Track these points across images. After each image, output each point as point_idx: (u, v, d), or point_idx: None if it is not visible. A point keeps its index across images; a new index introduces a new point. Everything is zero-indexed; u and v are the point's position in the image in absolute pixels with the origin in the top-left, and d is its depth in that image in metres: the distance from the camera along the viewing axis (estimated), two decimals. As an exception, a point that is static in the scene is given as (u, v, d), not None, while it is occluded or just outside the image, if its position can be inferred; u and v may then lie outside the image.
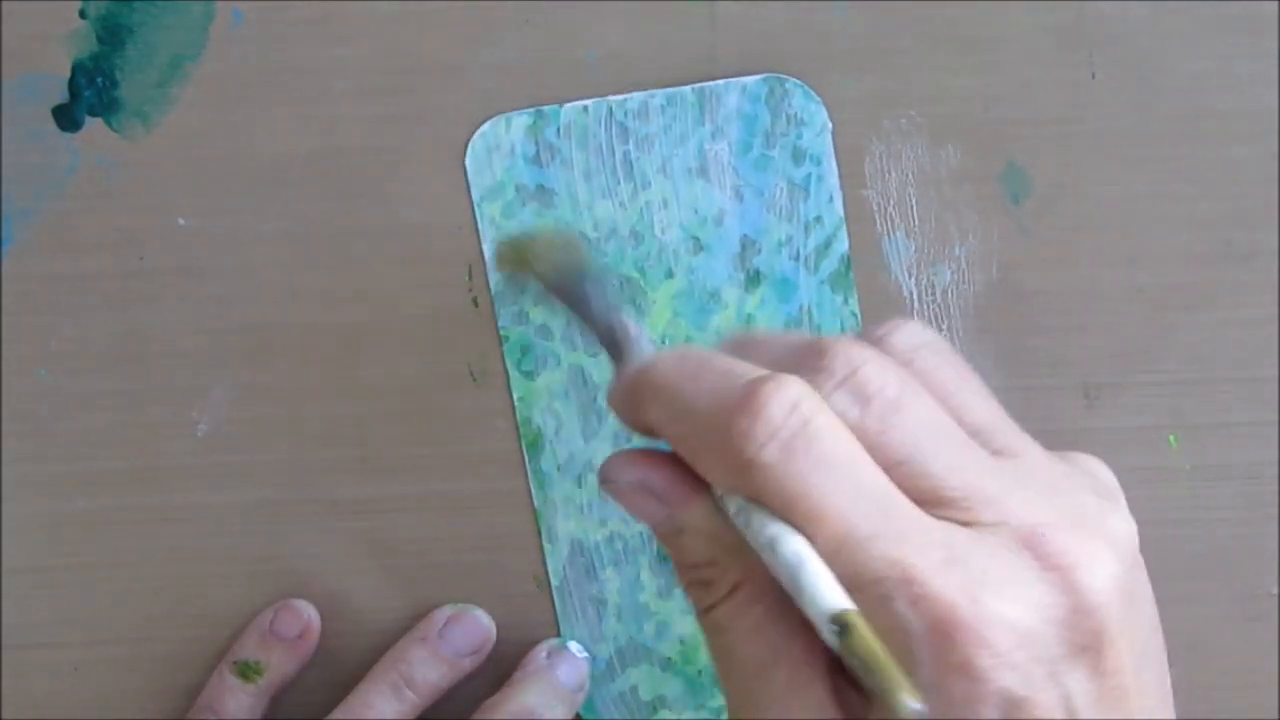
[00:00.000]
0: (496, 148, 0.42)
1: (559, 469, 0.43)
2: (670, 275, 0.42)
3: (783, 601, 0.29)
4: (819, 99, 0.42)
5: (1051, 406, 0.43)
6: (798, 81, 0.41)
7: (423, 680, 0.42)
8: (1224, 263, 0.43)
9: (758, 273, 0.42)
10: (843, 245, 0.42)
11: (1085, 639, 0.27)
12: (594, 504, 0.43)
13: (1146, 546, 0.44)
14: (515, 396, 0.42)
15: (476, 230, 0.42)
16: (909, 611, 0.26)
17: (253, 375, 0.43)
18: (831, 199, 0.42)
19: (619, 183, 0.42)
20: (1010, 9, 0.41)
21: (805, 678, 0.29)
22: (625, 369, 0.33)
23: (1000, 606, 0.26)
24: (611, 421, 0.43)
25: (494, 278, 0.41)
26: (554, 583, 0.43)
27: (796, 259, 0.42)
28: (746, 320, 0.42)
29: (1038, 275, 0.43)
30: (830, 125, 0.42)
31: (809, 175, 0.42)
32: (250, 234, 0.42)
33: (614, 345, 0.33)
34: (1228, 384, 0.43)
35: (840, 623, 0.26)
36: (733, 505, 0.29)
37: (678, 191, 0.42)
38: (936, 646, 0.26)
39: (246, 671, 0.42)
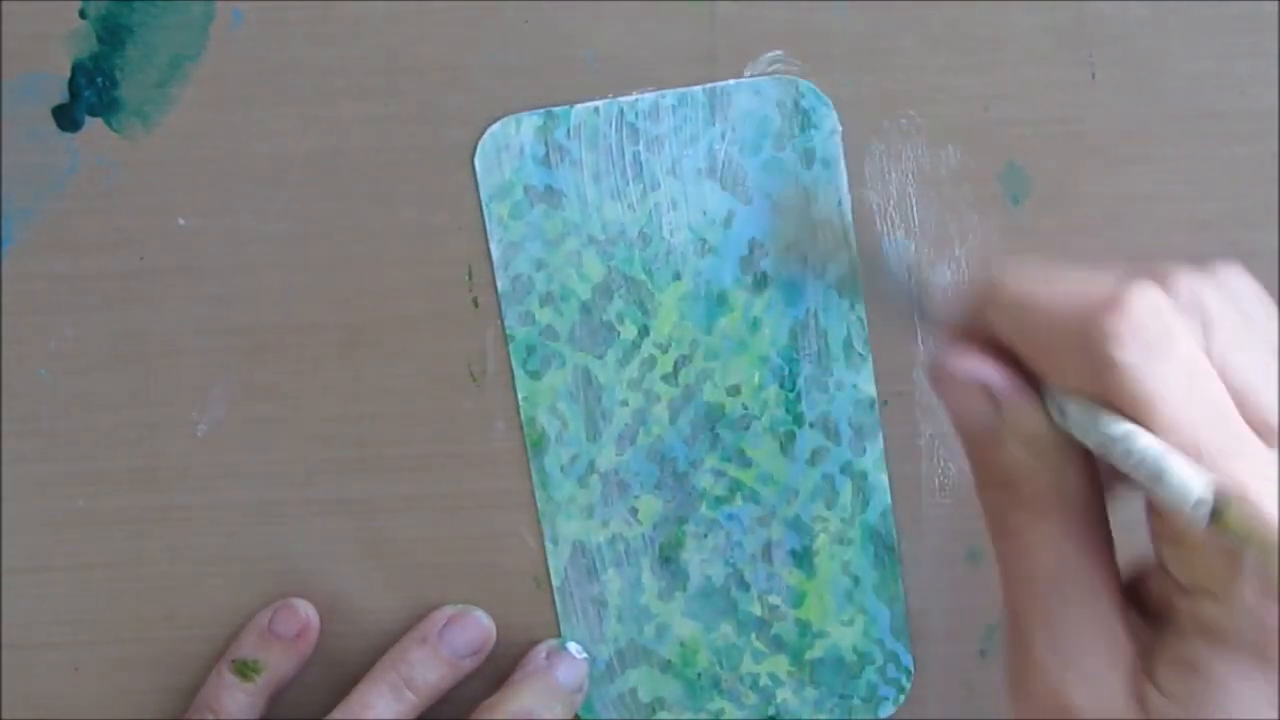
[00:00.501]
0: (506, 148, 0.42)
1: (562, 469, 0.43)
2: (678, 277, 0.42)
3: (1085, 519, 0.31)
4: (829, 101, 0.42)
5: (1052, 406, 0.43)
6: (810, 84, 0.41)
7: (422, 681, 0.42)
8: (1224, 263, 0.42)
9: (765, 275, 0.42)
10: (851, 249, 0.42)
11: None
12: (597, 505, 0.43)
13: (1147, 545, 0.44)
14: (520, 396, 0.42)
15: (484, 229, 0.42)
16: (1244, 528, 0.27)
17: (253, 375, 0.43)
18: (840, 202, 0.42)
19: (628, 184, 0.42)
20: (1010, 9, 0.41)
21: (1098, 594, 0.31)
22: (942, 305, 0.36)
23: None
24: (616, 423, 0.43)
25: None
26: (555, 583, 0.43)
27: (804, 262, 0.42)
28: (753, 324, 0.42)
29: (1038, 275, 0.43)
30: (840, 128, 0.42)
31: (818, 178, 0.42)
32: (250, 234, 0.42)
33: (913, 293, 0.37)
34: (1228, 384, 0.43)
35: (1223, 498, 0.28)
36: (1073, 407, 0.30)
37: (687, 193, 0.42)
38: (1263, 567, 0.28)
39: (245, 670, 0.42)
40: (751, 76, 0.42)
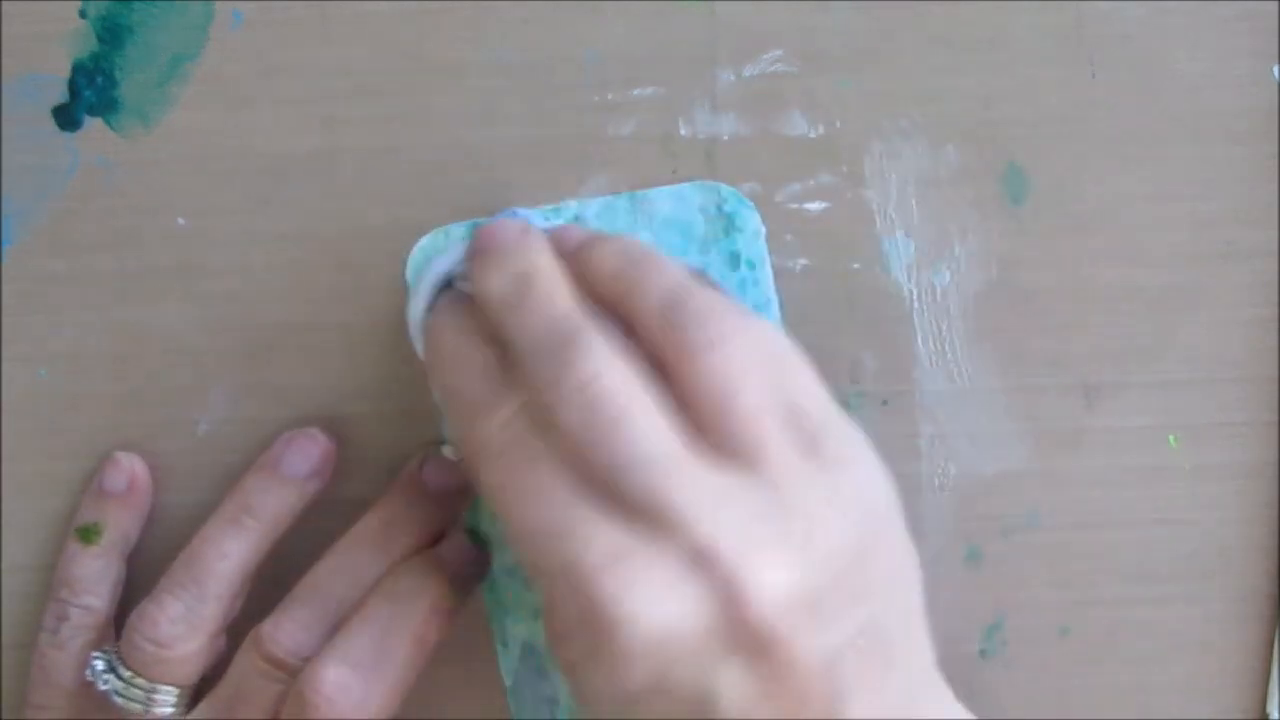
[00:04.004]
0: (436, 258, 0.41)
1: (508, 572, 0.43)
2: None
3: None
4: (751, 204, 0.42)
5: (1051, 406, 0.43)
6: (731, 189, 0.42)
7: (260, 505, 0.41)
8: (1224, 263, 0.43)
9: None
10: None
11: (744, 642, 0.32)
12: (543, 607, 0.43)
13: (1147, 546, 0.45)
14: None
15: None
16: (570, 598, 0.32)
17: (253, 375, 0.43)
18: (768, 301, 0.42)
19: None
20: (1010, 9, 0.41)
21: None
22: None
23: (644, 608, 0.31)
24: None
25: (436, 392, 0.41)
26: (508, 683, 0.43)
27: None
28: None
29: (1037, 275, 0.43)
30: (764, 229, 0.42)
31: (744, 279, 0.42)
32: (250, 234, 0.42)
33: None
34: (1228, 384, 0.43)
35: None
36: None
37: None
38: (587, 631, 0.32)
39: (87, 535, 0.42)
40: (671, 185, 0.42)
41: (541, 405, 0.34)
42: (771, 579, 0.32)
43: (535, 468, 0.33)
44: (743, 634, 0.32)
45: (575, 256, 0.37)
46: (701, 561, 0.32)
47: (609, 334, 0.35)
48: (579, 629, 0.32)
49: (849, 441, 0.35)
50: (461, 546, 0.41)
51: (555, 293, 0.35)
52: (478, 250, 0.38)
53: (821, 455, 0.34)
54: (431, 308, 0.39)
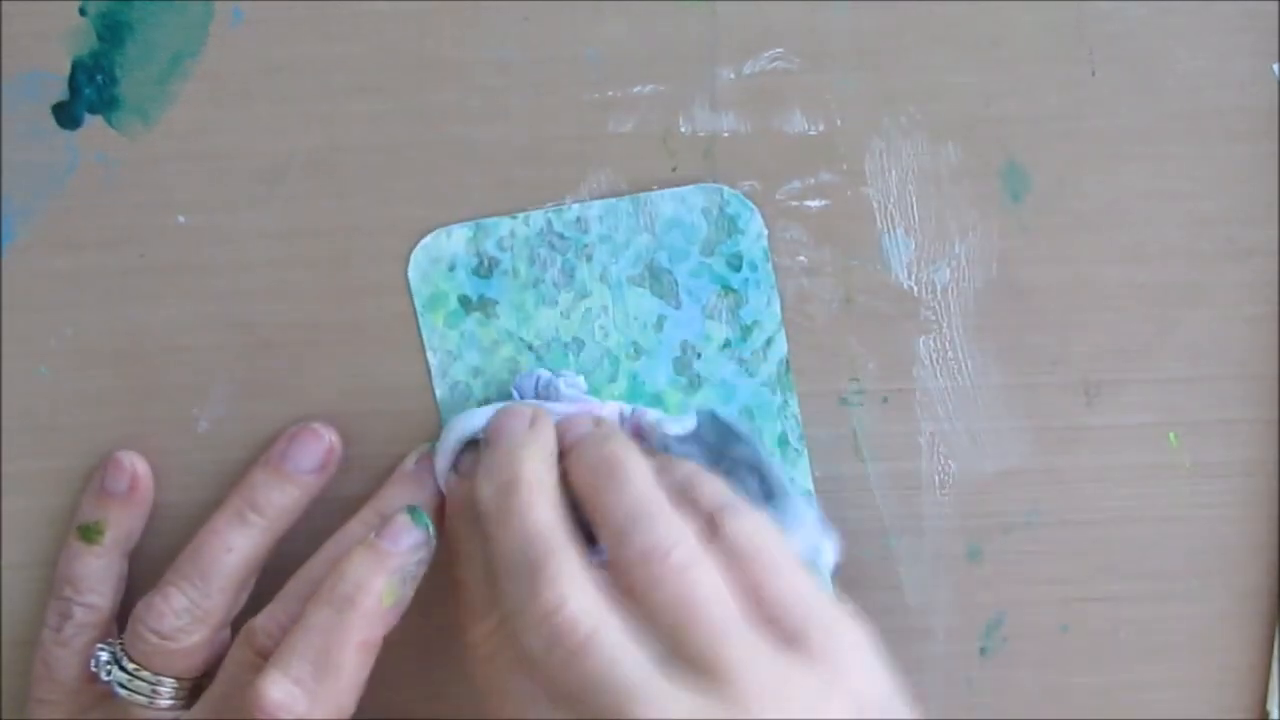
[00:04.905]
0: (438, 259, 0.42)
1: None
2: (613, 380, 0.43)
3: None
4: (753, 206, 0.42)
5: (1051, 404, 0.43)
6: (734, 191, 0.42)
7: (265, 502, 0.41)
8: (1224, 260, 0.43)
9: (699, 376, 0.43)
10: (781, 349, 0.43)
11: None
12: None
13: (1147, 544, 0.45)
14: None
15: (421, 340, 0.42)
16: None
17: (253, 372, 0.43)
18: (769, 302, 0.42)
19: (559, 291, 0.42)
20: (1010, 7, 0.41)
21: None
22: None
23: None
24: None
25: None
26: None
27: (736, 362, 0.42)
28: None
29: (1038, 272, 0.43)
30: (766, 231, 0.42)
31: (746, 280, 0.42)
32: (250, 231, 0.42)
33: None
34: (1228, 381, 0.43)
35: None
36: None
37: (617, 299, 0.42)
38: None
39: (89, 534, 0.42)
40: (675, 187, 0.42)
41: (511, 629, 0.35)
42: None
43: (514, 680, 0.34)
44: None
45: (567, 456, 0.38)
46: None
47: (581, 549, 0.36)
48: None
49: (836, 633, 0.35)
50: (402, 532, 0.40)
51: (534, 505, 0.36)
52: (487, 440, 0.39)
53: (806, 651, 0.34)
54: (454, 466, 0.41)
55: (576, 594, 0.34)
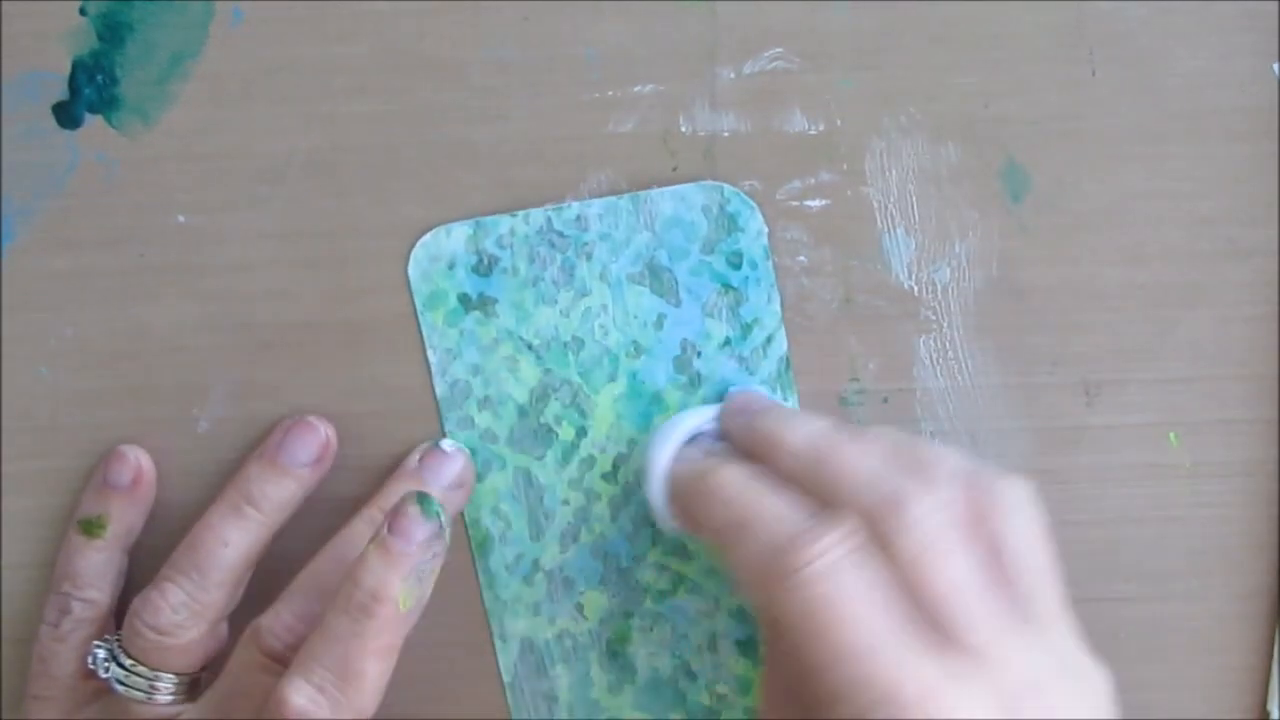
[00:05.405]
0: (437, 257, 0.42)
1: (507, 569, 0.43)
2: (612, 379, 0.43)
3: None
4: (753, 204, 0.42)
5: (1052, 404, 0.43)
6: (734, 189, 0.42)
7: (261, 495, 0.41)
8: (1224, 260, 0.43)
9: (699, 375, 0.43)
10: (781, 347, 0.43)
11: None
12: (543, 602, 0.43)
13: (1147, 544, 0.45)
14: None
15: (421, 339, 0.42)
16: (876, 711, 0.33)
17: (253, 373, 0.43)
18: (769, 300, 0.42)
19: (559, 290, 0.42)
20: (1010, 7, 0.41)
21: None
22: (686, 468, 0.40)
23: None
24: (558, 522, 0.43)
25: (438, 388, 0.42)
26: (506, 680, 0.44)
27: (736, 361, 0.42)
28: None
29: (1038, 273, 0.43)
30: (766, 229, 0.42)
31: (746, 278, 0.42)
32: (250, 232, 0.42)
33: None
34: (1228, 381, 0.43)
35: None
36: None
37: (617, 297, 0.42)
38: None
39: (90, 528, 0.42)
40: (675, 185, 0.42)
41: (878, 533, 0.35)
42: None
43: (859, 593, 0.34)
44: None
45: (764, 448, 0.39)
46: (1012, 705, 0.33)
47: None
48: None
49: (1064, 619, 0.37)
50: (414, 527, 0.38)
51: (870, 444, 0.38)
52: (743, 408, 0.41)
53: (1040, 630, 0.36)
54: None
55: (936, 511, 0.35)
